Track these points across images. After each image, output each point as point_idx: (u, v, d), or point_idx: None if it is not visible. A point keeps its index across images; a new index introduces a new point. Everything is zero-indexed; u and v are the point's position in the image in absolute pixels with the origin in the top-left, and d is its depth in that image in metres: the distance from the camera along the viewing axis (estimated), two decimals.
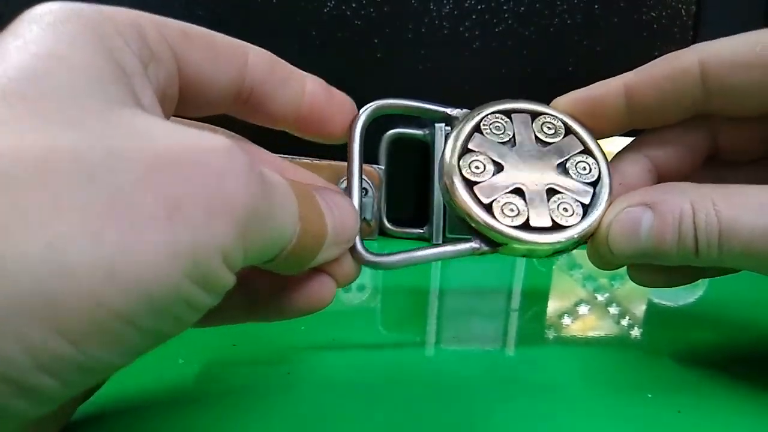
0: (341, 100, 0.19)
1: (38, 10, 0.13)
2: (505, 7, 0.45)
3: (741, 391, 0.19)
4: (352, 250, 0.18)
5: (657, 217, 0.18)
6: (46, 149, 0.10)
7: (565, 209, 0.19)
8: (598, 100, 0.21)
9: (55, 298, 0.10)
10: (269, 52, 0.18)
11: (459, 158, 0.19)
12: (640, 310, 0.28)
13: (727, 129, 0.21)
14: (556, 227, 0.19)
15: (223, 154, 0.12)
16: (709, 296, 0.29)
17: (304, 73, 0.18)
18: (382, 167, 0.42)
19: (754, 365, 0.21)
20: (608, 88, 0.21)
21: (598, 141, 0.21)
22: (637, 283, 0.21)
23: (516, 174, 0.20)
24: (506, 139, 0.20)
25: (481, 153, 0.20)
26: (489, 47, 0.45)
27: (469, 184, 0.19)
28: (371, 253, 0.18)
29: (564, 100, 0.21)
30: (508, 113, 0.21)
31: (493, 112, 0.20)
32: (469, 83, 0.45)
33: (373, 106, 0.20)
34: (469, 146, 0.20)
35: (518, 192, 0.19)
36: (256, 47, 0.17)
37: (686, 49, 0.20)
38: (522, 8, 0.45)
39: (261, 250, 0.14)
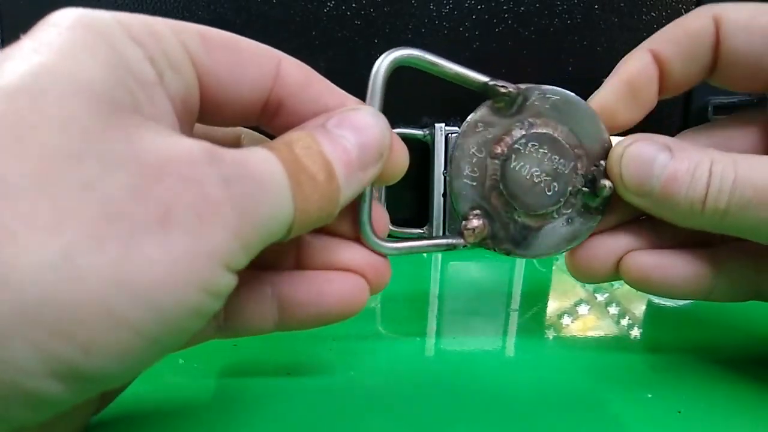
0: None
1: (57, 16, 0.13)
2: (505, 8, 0.45)
3: (741, 391, 0.19)
4: (362, 234, 0.18)
5: (674, 158, 0.18)
6: (43, 154, 0.10)
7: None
8: (637, 81, 0.20)
9: (67, 306, 0.10)
10: (306, 66, 0.17)
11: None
12: (639, 310, 0.28)
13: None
14: None
15: (204, 162, 0.12)
16: None
17: (345, 93, 0.18)
18: None
19: (754, 365, 0.21)
20: (639, 63, 0.20)
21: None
22: (631, 282, 0.21)
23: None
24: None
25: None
26: (489, 47, 0.45)
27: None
28: (378, 238, 0.19)
29: (603, 94, 0.20)
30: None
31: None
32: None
33: (395, 56, 0.18)
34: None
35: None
36: (290, 58, 0.17)
37: (698, 10, 0.20)
38: (522, 9, 0.45)
39: (262, 239, 0.13)
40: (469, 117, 0.20)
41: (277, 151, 0.14)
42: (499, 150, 0.20)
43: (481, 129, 0.20)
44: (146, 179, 0.11)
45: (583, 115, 0.20)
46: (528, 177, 0.19)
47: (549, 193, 0.20)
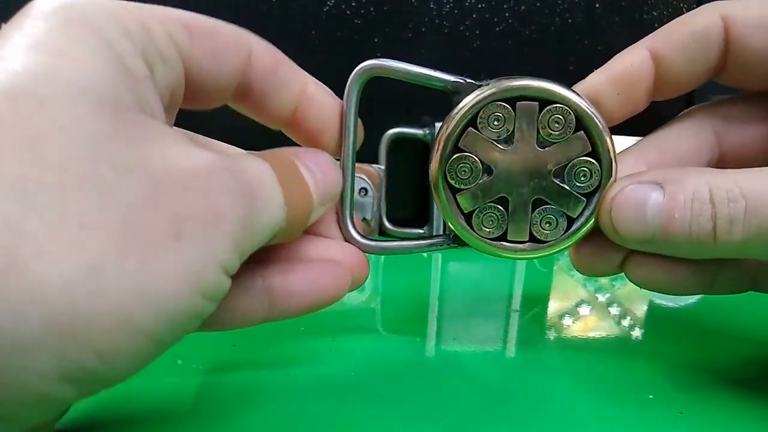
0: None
1: (43, 5, 0.12)
2: (505, 6, 0.45)
3: (742, 392, 0.19)
4: (345, 233, 0.19)
5: (666, 195, 0.16)
6: (60, 162, 0.10)
7: (549, 223, 0.19)
8: (625, 79, 0.19)
9: (91, 317, 0.10)
10: (274, 48, 0.17)
11: (447, 160, 0.18)
12: (641, 310, 0.28)
13: (733, 135, 0.20)
14: (533, 241, 0.19)
15: (209, 173, 0.13)
16: (711, 297, 0.29)
17: (309, 76, 0.18)
18: (382, 167, 0.42)
19: (755, 367, 0.21)
20: (633, 60, 0.19)
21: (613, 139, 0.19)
22: (635, 282, 0.20)
23: (504, 181, 0.18)
24: (504, 135, 0.18)
25: (471, 154, 0.18)
26: (489, 47, 0.45)
27: (453, 191, 0.19)
28: (361, 235, 0.20)
29: (589, 83, 0.19)
30: (513, 101, 0.18)
31: (496, 101, 0.18)
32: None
33: (365, 68, 0.19)
34: (460, 144, 0.18)
35: (502, 201, 0.19)
36: (261, 41, 0.17)
37: (704, 7, 0.18)
38: (522, 8, 0.45)
39: (253, 245, 0.14)
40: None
41: (268, 159, 0.15)
42: None
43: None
44: (158, 188, 0.12)
45: None
46: None
47: None
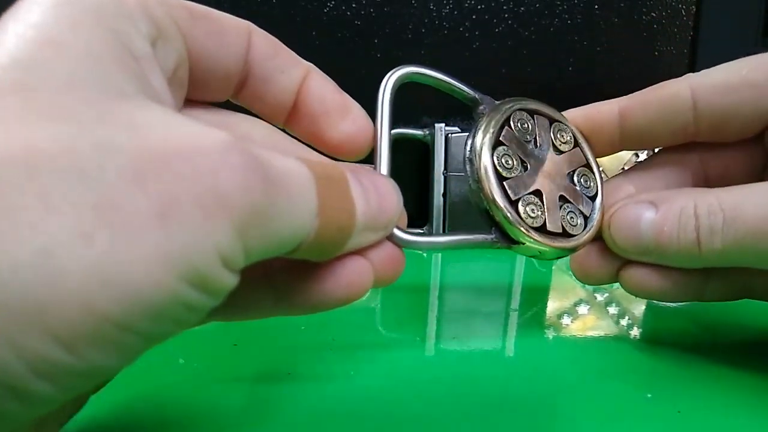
0: (355, 112, 0.18)
1: None
2: (505, 8, 0.45)
3: (740, 390, 0.19)
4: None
5: (659, 212, 0.19)
6: (34, 145, 0.10)
7: (572, 218, 0.20)
8: (593, 120, 0.22)
9: (47, 305, 0.09)
10: (273, 37, 0.17)
11: (492, 149, 0.19)
12: (639, 310, 0.28)
13: (715, 160, 0.22)
14: (565, 234, 0.20)
15: (219, 151, 0.11)
16: None
17: (312, 66, 0.17)
18: None
19: (753, 365, 0.21)
20: (603, 109, 0.22)
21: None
22: (628, 289, 0.21)
23: (537, 176, 0.20)
24: (530, 139, 0.21)
25: (510, 148, 0.20)
26: (489, 47, 0.45)
27: (500, 179, 0.19)
28: (407, 232, 0.18)
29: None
30: (532, 113, 0.21)
31: (521, 109, 0.21)
32: (469, 83, 0.45)
33: (403, 71, 0.19)
34: (501, 138, 0.20)
35: (537, 194, 0.20)
36: (259, 29, 0.16)
37: (677, 78, 0.21)
38: (522, 9, 0.45)
39: (267, 247, 0.13)
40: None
41: (310, 165, 0.14)
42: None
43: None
44: (151, 167, 0.10)
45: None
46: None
47: None
